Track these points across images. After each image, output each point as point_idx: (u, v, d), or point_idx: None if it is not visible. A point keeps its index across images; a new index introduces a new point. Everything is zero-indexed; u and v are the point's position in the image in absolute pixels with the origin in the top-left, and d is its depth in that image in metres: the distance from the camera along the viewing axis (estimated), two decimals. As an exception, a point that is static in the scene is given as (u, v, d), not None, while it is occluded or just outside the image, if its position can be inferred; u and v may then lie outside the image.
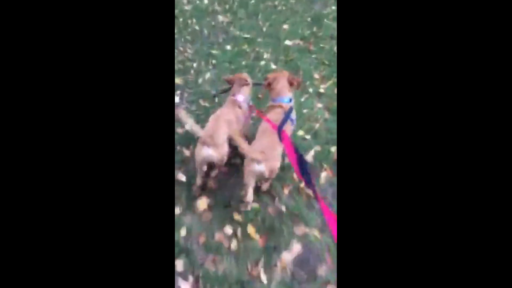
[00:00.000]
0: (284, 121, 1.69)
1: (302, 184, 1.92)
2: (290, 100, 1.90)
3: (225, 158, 1.78)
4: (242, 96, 1.99)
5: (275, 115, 1.81)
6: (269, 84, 1.97)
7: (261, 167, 1.62)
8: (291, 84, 1.95)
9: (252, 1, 4.92)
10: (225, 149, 1.75)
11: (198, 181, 1.83)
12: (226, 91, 2.19)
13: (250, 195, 1.71)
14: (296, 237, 1.70)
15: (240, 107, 1.95)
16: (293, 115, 1.88)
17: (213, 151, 1.70)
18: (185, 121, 1.74)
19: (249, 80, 2.08)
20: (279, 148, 1.68)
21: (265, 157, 1.61)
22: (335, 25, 4.21)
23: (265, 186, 1.89)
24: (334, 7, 4.83)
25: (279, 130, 1.59)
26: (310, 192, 1.84)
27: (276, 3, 4.95)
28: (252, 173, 1.64)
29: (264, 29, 4.15)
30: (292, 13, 4.64)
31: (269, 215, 1.80)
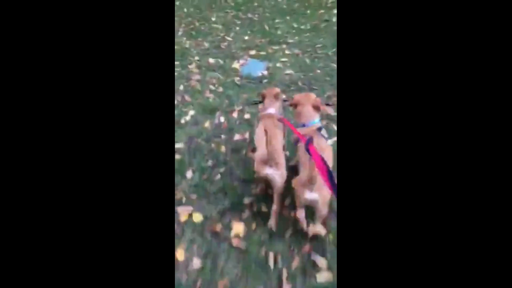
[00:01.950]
0: (312, 136, 1.57)
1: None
2: (319, 121, 1.86)
3: (285, 177, 1.66)
4: (274, 109, 1.94)
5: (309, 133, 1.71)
6: (294, 105, 1.92)
7: (313, 195, 1.49)
8: (316, 109, 1.88)
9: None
10: (285, 168, 1.66)
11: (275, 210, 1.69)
12: (257, 103, 2.27)
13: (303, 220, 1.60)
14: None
15: (278, 119, 1.87)
16: (324, 132, 1.81)
17: (275, 171, 1.61)
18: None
19: (279, 94, 2.05)
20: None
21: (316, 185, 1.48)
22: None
23: (317, 227, 1.62)
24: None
25: (307, 144, 1.50)
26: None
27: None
28: (303, 202, 1.54)
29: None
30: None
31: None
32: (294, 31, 4.42)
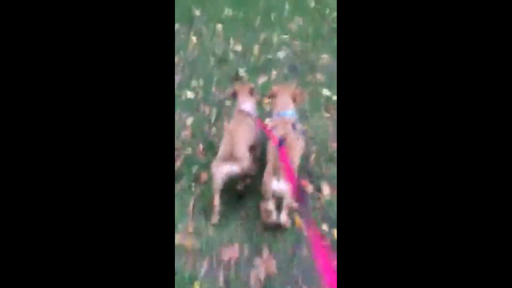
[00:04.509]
0: (284, 137, 1.60)
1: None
2: (293, 113, 1.85)
3: (247, 170, 1.74)
4: (249, 105, 1.93)
5: (282, 130, 1.70)
6: (272, 96, 1.95)
7: (280, 185, 1.53)
8: (294, 100, 1.89)
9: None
10: (247, 161, 1.71)
11: (216, 206, 1.73)
12: (230, 99, 2.25)
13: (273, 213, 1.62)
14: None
15: (249, 115, 1.88)
16: (300, 127, 1.78)
17: (235, 166, 1.66)
18: None
19: (254, 90, 2.04)
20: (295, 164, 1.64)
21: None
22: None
23: (283, 217, 1.67)
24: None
25: (279, 145, 1.53)
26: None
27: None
28: (270, 192, 1.56)
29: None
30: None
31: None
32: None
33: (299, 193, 1.29)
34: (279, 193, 1.55)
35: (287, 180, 1.40)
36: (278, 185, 1.53)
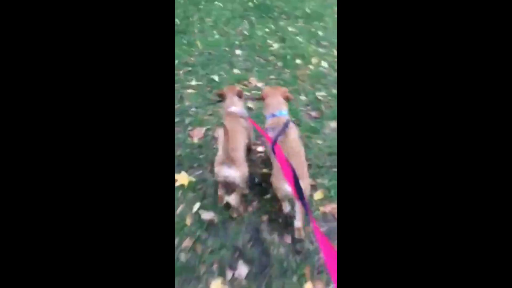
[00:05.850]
0: (278, 135, 1.56)
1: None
2: (287, 113, 1.82)
3: (246, 177, 1.62)
4: (237, 107, 1.81)
5: (276, 130, 1.67)
6: (263, 98, 1.87)
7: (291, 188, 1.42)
8: (286, 99, 1.85)
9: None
10: (245, 167, 1.60)
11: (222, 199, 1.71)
12: (217, 102, 2.04)
13: (298, 221, 1.57)
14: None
15: (241, 116, 1.79)
16: (293, 126, 1.74)
17: (234, 171, 1.54)
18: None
19: (242, 92, 1.94)
20: (304, 164, 1.57)
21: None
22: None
23: (298, 223, 1.59)
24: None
25: (273, 144, 1.48)
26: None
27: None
28: (283, 195, 1.53)
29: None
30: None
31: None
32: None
33: (298, 193, 1.20)
34: (292, 196, 1.47)
35: (285, 176, 1.29)
36: (290, 187, 1.39)
